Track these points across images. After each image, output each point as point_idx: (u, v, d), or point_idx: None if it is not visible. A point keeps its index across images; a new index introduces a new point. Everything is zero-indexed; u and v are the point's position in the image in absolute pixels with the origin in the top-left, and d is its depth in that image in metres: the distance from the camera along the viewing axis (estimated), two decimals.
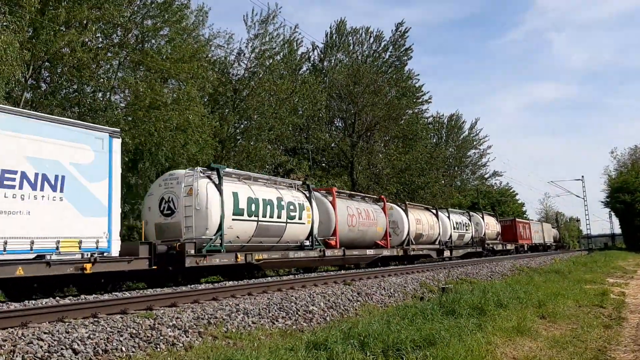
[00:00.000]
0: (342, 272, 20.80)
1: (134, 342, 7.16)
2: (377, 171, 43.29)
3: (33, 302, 10.23)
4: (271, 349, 6.83)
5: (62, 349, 6.36)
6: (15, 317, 7.37)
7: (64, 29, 19.83)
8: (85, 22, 21.08)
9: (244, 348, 7.24)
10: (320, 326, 9.70)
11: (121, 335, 7.21)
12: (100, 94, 22.77)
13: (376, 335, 7.52)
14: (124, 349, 6.87)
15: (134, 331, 7.45)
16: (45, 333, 6.71)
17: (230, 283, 14.78)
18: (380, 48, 47.89)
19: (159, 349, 7.18)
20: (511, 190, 77.52)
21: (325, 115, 41.84)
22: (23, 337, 6.43)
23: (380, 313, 11.39)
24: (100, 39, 22.75)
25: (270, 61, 32.42)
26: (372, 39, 47.79)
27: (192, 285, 14.26)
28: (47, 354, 6.15)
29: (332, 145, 42.65)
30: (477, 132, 74.92)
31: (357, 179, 39.78)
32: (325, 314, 10.86)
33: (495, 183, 78.73)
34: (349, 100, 41.85)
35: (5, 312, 7.85)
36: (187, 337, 7.80)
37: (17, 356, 5.88)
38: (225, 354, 6.37)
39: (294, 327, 9.51)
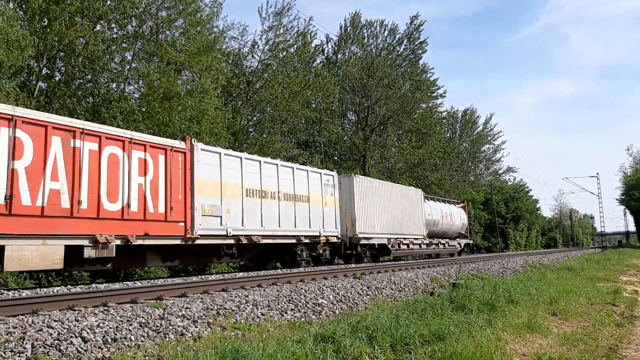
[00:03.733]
0: (352, 265, 20.83)
1: (143, 331, 7.19)
2: (389, 165, 43.18)
3: (45, 290, 10.32)
4: (279, 340, 6.82)
5: (71, 336, 6.40)
6: (26, 304, 7.44)
7: (79, 19, 19.92)
8: (99, 13, 21.16)
9: (251, 339, 7.25)
10: (329, 319, 9.69)
11: (130, 325, 7.24)
12: (114, 85, 22.88)
13: (384, 330, 7.47)
14: (133, 338, 6.90)
15: (144, 320, 7.48)
16: (55, 321, 6.76)
17: (240, 274, 14.85)
18: (394, 41, 47.56)
19: (167, 339, 7.20)
20: (525, 186, 76.96)
21: (338, 108, 41.74)
22: (33, 325, 6.48)
23: (389, 307, 11.35)
24: (115, 30, 22.84)
25: (284, 53, 32.38)
26: (386, 32, 47.49)
27: (203, 276, 14.34)
28: (56, 341, 6.19)
29: (345, 138, 42.56)
30: (492, 127, 74.60)
31: (369, 173, 39.68)
32: (335, 307, 10.85)
33: (509, 179, 78.29)
34: (363, 94, 41.70)
35: (17, 299, 7.93)
36: (196, 327, 7.82)
37: (27, 343, 5.93)
38: (232, 345, 6.37)
39: (303, 319, 9.51)
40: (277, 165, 19.12)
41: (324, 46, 45.97)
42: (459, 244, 35.85)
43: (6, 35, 15.71)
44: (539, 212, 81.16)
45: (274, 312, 9.42)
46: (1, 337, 5.92)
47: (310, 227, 20.21)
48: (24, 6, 18.73)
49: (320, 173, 21.68)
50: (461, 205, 38.85)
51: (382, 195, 25.72)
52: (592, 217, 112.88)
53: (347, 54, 46.73)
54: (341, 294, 11.86)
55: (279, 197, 18.81)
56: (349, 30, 47.03)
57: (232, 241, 16.55)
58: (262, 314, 9.12)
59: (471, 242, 40.89)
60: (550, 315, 10.59)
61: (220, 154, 16.45)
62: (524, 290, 13.04)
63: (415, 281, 15.88)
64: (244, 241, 16.89)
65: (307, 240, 20.02)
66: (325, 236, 21.07)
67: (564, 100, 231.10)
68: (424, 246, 29.71)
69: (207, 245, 15.94)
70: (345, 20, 48.08)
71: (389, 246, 25.41)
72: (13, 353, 5.65)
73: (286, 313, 9.58)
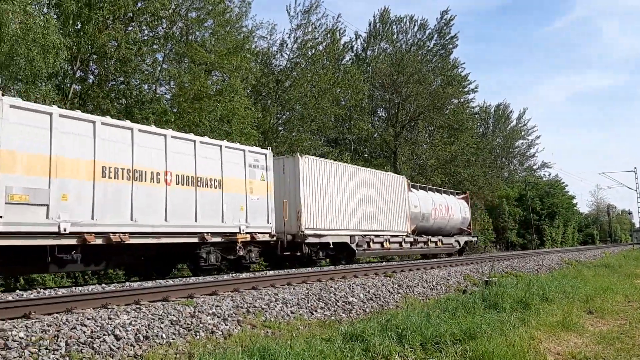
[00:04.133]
0: (384, 263, 20.73)
1: (175, 329, 7.27)
2: (421, 162, 42.86)
3: (80, 288, 10.54)
4: (307, 339, 6.83)
5: (104, 334, 6.50)
6: (61, 302, 7.60)
7: (110, 22, 20.32)
8: (130, 15, 21.55)
9: (281, 338, 7.27)
10: (359, 317, 9.66)
11: (162, 322, 7.32)
12: (146, 86, 23.28)
13: (415, 328, 7.42)
14: (164, 335, 6.98)
15: (175, 318, 7.56)
16: (88, 319, 6.88)
17: (271, 272, 14.91)
18: (424, 36, 47.15)
19: (198, 337, 7.26)
20: (561, 182, 75.46)
21: (367, 105, 41.61)
22: (67, 323, 6.61)
23: (421, 306, 11.26)
24: (146, 32, 23.24)
25: (313, 51, 32.43)
26: (416, 28, 47.12)
27: (234, 274, 14.47)
28: (89, 339, 6.29)
29: (375, 135, 42.40)
30: (525, 122, 73.44)
31: (400, 170, 39.44)
32: (365, 306, 10.81)
33: (544, 174, 76.90)
34: (393, 90, 41.46)
35: (52, 298, 8.12)
36: (227, 325, 7.87)
37: (61, 341, 6.05)
38: (260, 343, 6.40)
39: (333, 317, 9.49)
40: (165, 136, 13.87)
41: (353, 43, 45.90)
42: (458, 242, 29.76)
43: (44, 41, 16.08)
44: (575, 208, 79.48)
45: (304, 311, 9.43)
46: (36, 335, 6.05)
47: (223, 221, 15.06)
48: (57, 10, 19.16)
49: (244, 150, 16.38)
50: (462, 196, 32.87)
51: (343, 181, 20.46)
52: (630, 213, 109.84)
53: (376, 50, 46.53)
54: (372, 292, 11.81)
55: (166, 179, 13.58)
56: (378, 26, 46.83)
57: (72, 241, 11.48)
58: (291, 312, 9.14)
59: (474, 239, 33.77)
60: (586, 313, 10.37)
61: (51, 114, 11.47)
62: (559, 287, 12.81)
63: (448, 279, 15.72)
64: (96, 241, 11.80)
65: (217, 239, 14.88)
66: (250, 233, 15.89)
67: (598, 93, 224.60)
68: (406, 245, 24.12)
69: (18, 248, 10.80)
70: (374, 16, 47.88)
71: (353, 245, 20.17)
72: (47, 350, 5.77)
73: (316, 311, 9.58)
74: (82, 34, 19.74)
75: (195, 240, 14.20)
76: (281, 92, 30.71)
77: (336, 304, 10.25)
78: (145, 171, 13.09)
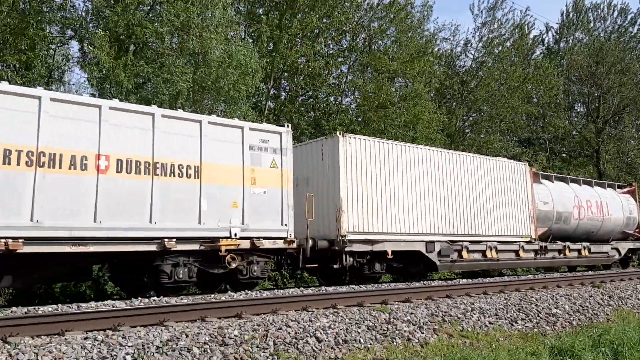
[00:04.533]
0: (590, 273, 18.95)
1: (371, 334, 7.38)
2: (629, 160, 38.56)
3: (281, 291, 11.24)
4: (510, 351, 6.46)
5: (307, 336, 6.84)
6: (266, 304, 8.15)
7: (299, 40, 21.61)
8: (317, 31, 22.68)
9: (480, 348, 6.98)
10: (565, 331, 8.93)
11: (359, 327, 7.48)
12: (332, 98, 24.26)
13: (632, 344, 6.69)
14: (362, 340, 7.12)
15: (371, 324, 7.68)
16: (292, 320, 7.28)
17: (464, 281, 14.47)
18: (626, 22, 42.43)
19: (395, 343, 7.28)
20: None
21: (563, 100, 38.64)
22: (274, 323, 7.07)
23: (637, 320, 10.10)
24: (331, 45, 24.28)
25: (500, 49, 31.09)
26: (615, 13, 42.59)
27: (425, 282, 14.31)
28: (294, 340, 6.66)
29: (573, 133, 39.16)
30: None
31: (604, 170, 35.85)
32: (571, 318, 9.97)
33: None
34: (591, 83, 37.95)
35: (259, 299, 8.74)
36: (422, 333, 7.79)
37: (269, 340, 6.48)
38: (461, 353, 6.20)
39: (535, 330, 8.89)
40: (99, 107, 10.00)
41: (544, 36, 43.03)
42: (617, 249, 21.99)
43: (245, 67, 17.62)
44: None
45: (503, 321, 8.96)
46: (248, 333, 6.56)
47: (201, 222, 10.90)
48: (253, 34, 20.87)
49: (242, 127, 11.91)
50: (626, 189, 24.58)
51: (413, 169, 15.15)
52: None
53: (570, 41, 43.01)
54: (578, 304, 10.86)
55: (98, 165, 9.80)
56: (571, 15, 43.27)
57: None
58: (489, 323, 8.74)
59: None
60: None
61: None
62: None
63: None
64: None
65: (191, 247, 10.75)
66: (250, 238, 11.51)
67: None
68: (526, 254, 17.67)
69: None
70: (566, 5, 44.46)
71: (431, 255, 14.85)
72: (258, 349, 6.23)
73: (516, 322, 9.05)
74: (274, 54, 21.24)
75: (153, 248, 10.26)
76: (467, 93, 29.87)
77: (538, 316, 9.60)
78: (62, 154, 9.46)
